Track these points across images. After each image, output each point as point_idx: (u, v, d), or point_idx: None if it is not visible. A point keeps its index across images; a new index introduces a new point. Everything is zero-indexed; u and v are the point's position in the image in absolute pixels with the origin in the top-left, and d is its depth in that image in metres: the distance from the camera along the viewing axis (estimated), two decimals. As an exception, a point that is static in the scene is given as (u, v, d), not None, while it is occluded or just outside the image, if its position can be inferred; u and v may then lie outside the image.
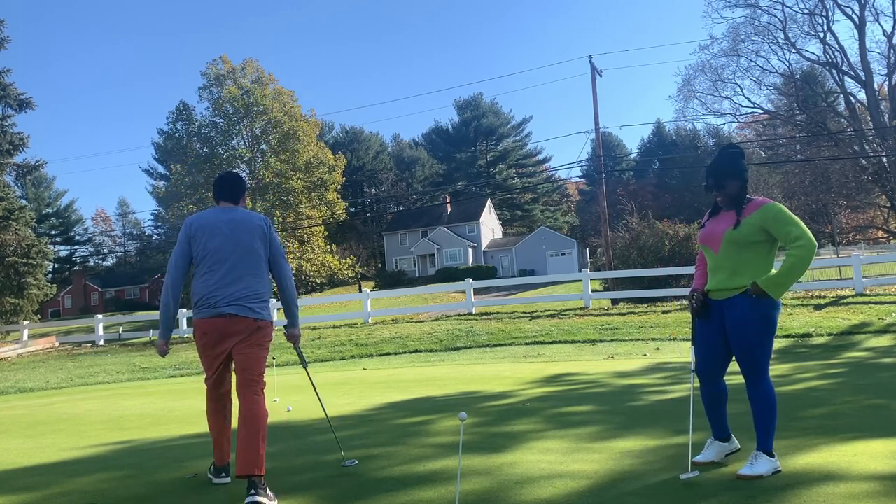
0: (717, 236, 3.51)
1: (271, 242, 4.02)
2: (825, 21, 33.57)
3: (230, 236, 3.93)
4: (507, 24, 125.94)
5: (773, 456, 3.33)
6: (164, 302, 4.15)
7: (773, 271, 3.43)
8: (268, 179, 41.72)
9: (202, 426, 6.09)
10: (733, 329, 3.41)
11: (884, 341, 10.13)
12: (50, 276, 34.09)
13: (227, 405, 4.07)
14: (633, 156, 77.36)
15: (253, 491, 3.38)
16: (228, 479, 3.90)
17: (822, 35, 34.05)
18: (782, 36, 34.56)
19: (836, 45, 34.23)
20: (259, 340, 3.85)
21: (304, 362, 4.52)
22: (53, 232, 70.09)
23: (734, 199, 3.52)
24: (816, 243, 3.32)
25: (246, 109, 41.75)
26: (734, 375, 3.87)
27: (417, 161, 75.65)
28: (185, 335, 19.68)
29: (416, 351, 13.01)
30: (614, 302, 17.98)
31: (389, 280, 52.70)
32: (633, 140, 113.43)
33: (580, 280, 17.12)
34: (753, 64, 36.19)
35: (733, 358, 3.54)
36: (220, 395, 4.03)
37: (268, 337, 3.91)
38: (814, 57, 35.88)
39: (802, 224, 3.37)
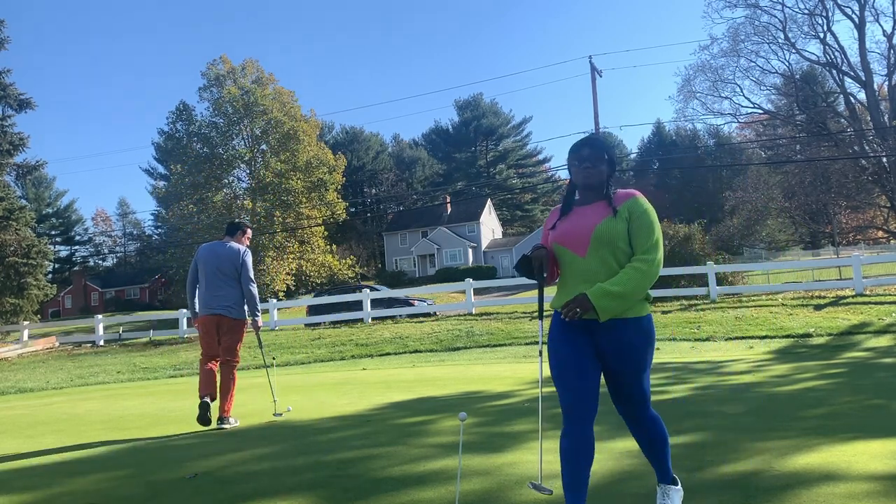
0: (583, 233, 2.78)
1: (242, 267, 6.04)
2: (825, 21, 33.59)
3: (216, 264, 6.02)
4: (507, 24, 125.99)
5: (677, 483, 2.93)
6: (188, 299, 6.29)
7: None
8: (268, 179, 41.70)
9: (202, 426, 6.10)
10: (620, 351, 2.72)
11: (884, 341, 10.13)
12: (50, 276, 34.10)
13: (213, 370, 6.00)
14: (633, 156, 77.39)
15: (220, 422, 5.80)
16: (209, 401, 5.85)
17: (822, 35, 34.07)
18: (782, 36, 34.58)
19: (836, 46, 34.25)
20: (234, 333, 6.03)
21: (261, 345, 6.83)
22: (53, 232, 70.08)
23: (603, 182, 2.88)
24: (660, 269, 2.79)
25: (246, 109, 41.73)
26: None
27: (417, 161, 75.66)
28: (185, 335, 19.67)
29: (416, 351, 13.01)
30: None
31: (389, 280, 52.70)
32: (633, 140, 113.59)
33: (580, 280, 17.10)
34: (753, 64, 36.22)
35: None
36: (208, 362, 6.04)
37: (240, 330, 6.06)
38: (814, 57, 35.90)
39: (661, 236, 2.86)
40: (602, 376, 2.80)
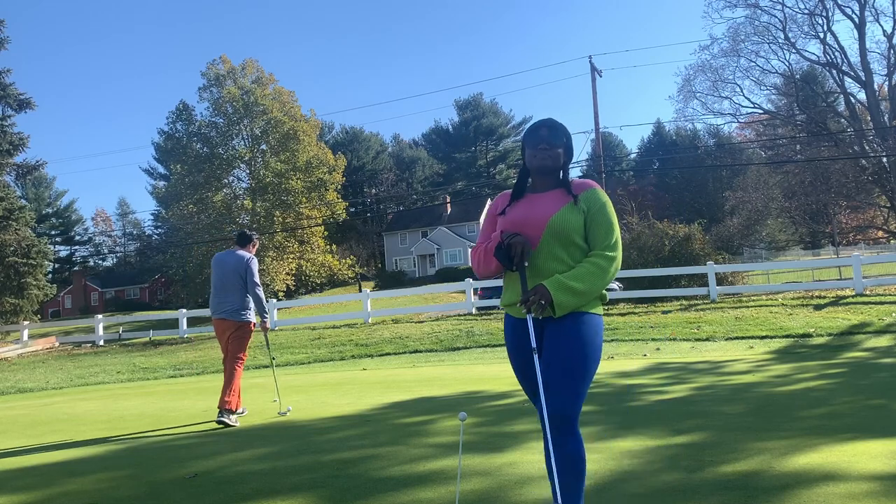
0: (537, 224, 2.53)
1: (247, 273, 6.51)
2: (825, 21, 33.59)
3: (224, 271, 6.54)
4: (508, 25, 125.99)
5: None
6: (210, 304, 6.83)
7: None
8: (268, 179, 41.70)
9: (202, 426, 6.10)
10: (558, 338, 2.47)
11: (884, 341, 10.13)
12: (50, 276, 34.08)
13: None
14: (633, 156, 77.38)
15: (219, 414, 6.01)
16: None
17: (822, 35, 34.06)
18: (782, 36, 34.57)
19: (836, 46, 34.25)
20: (240, 334, 6.49)
21: (268, 345, 7.18)
22: (53, 232, 70.06)
23: (560, 168, 2.66)
24: (619, 265, 2.56)
25: (246, 109, 41.73)
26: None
27: (417, 161, 75.65)
28: (185, 335, 19.68)
29: (416, 351, 13.01)
30: (614, 302, 17.97)
31: (389, 280, 52.68)
32: (633, 140, 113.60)
33: (580, 280, 17.09)
34: (753, 64, 36.21)
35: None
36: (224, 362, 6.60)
37: (246, 332, 6.52)
38: (814, 57, 35.89)
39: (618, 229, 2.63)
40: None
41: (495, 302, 19.58)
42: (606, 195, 2.61)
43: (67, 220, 73.51)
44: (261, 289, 6.59)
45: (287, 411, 6.56)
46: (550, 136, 2.64)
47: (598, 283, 2.47)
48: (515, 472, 3.68)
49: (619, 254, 2.55)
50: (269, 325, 6.76)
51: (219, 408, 6.07)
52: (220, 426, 5.96)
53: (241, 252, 6.65)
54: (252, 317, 6.53)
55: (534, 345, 2.46)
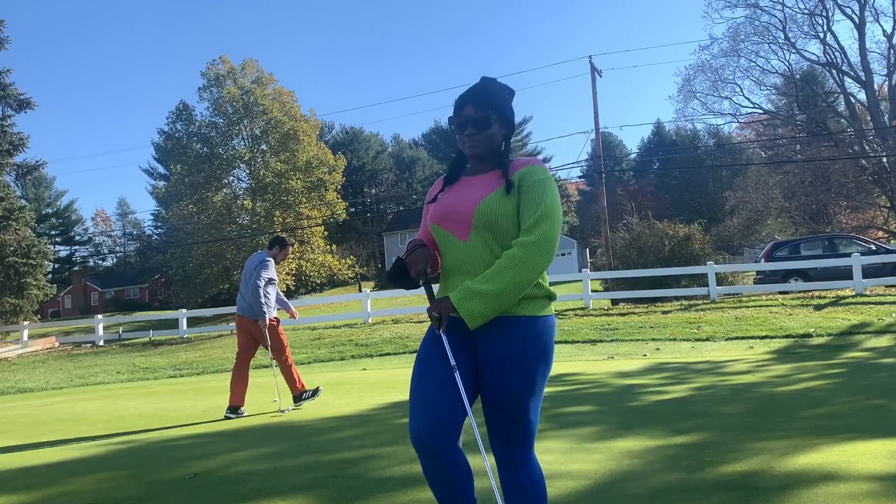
0: (466, 211, 2.17)
1: (255, 270, 6.81)
2: (825, 21, 33.59)
3: (245, 270, 7.00)
4: (507, 24, 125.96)
5: None
6: None
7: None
8: (268, 180, 41.69)
9: (202, 426, 6.10)
10: (500, 358, 2.08)
11: (884, 341, 10.13)
12: (50, 276, 34.08)
13: (238, 370, 6.79)
14: (633, 156, 77.33)
15: (230, 411, 6.55)
16: (234, 417, 6.49)
17: (822, 35, 34.07)
18: (782, 36, 34.58)
19: (836, 46, 34.25)
20: (259, 332, 6.80)
21: (266, 345, 6.94)
22: (53, 232, 70.04)
23: (496, 149, 2.26)
24: (553, 250, 2.10)
25: (246, 109, 41.71)
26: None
27: (417, 161, 75.61)
28: (185, 335, 19.68)
29: (416, 351, 12.99)
30: (614, 302, 17.98)
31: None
32: (633, 140, 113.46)
33: (580, 280, 17.12)
34: (753, 64, 36.22)
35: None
36: (240, 358, 6.90)
37: (260, 328, 6.79)
38: (814, 57, 35.90)
39: (559, 211, 2.16)
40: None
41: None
42: (547, 172, 2.20)
43: (67, 220, 73.50)
44: (261, 288, 6.71)
45: (287, 410, 6.57)
46: (478, 118, 2.20)
47: (515, 279, 2.03)
48: (515, 472, 3.68)
49: (545, 233, 2.08)
50: (262, 325, 6.80)
51: (231, 405, 6.58)
52: (225, 419, 6.42)
53: (263, 252, 7.05)
54: (273, 312, 6.85)
55: (452, 363, 2.07)
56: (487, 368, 2.11)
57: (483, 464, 1.96)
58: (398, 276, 2.25)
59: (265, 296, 6.72)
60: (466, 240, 2.17)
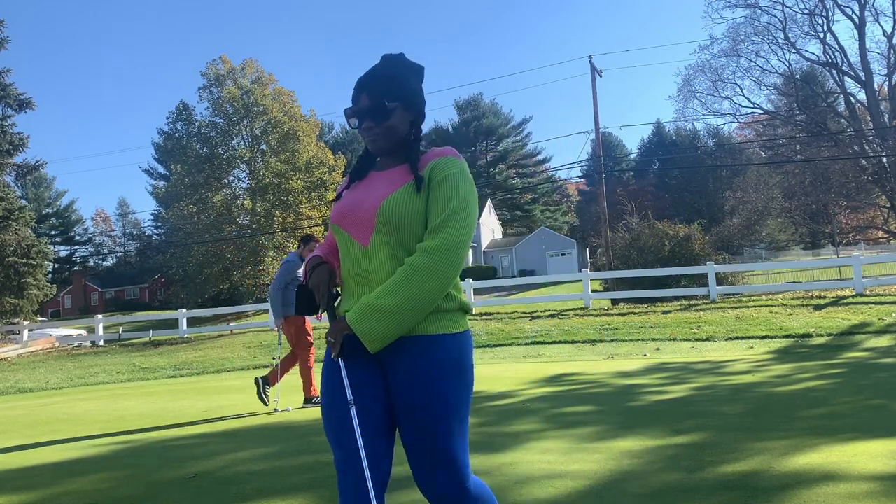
0: (368, 211, 1.88)
1: (277, 273, 7.16)
2: (825, 21, 33.61)
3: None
4: (507, 24, 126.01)
5: None
6: None
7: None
8: (267, 180, 41.67)
9: (202, 426, 6.10)
10: (410, 383, 1.81)
11: (884, 341, 10.13)
12: (50, 276, 34.09)
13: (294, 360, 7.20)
14: (633, 156, 77.34)
15: (306, 402, 7.03)
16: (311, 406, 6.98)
17: (822, 35, 34.08)
18: (782, 36, 34.60)
19: (836, 46, 34.27)
20: (289, 330, 7.06)
21: (279, 343, 7.68)
22: (53, 232, 70.05)
23: (402, 141, 1.94)
24: (463, 255, 1.82)
25: (246, 109, 41.70)
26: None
27: (417, 161, 75.56)
28: (185, 335, 19.67)
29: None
30: (614, 302, 17.97)
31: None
32: (633, 140, 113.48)
33: (580, 280, 17.12)
34: (753, 64, 36.24)
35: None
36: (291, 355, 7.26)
37: (293, 326, 7.02)
38: (814, 57, 35.92)
39: (472, 211, 1.85)
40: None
41: (495, 302, 19.57)
42: (461, 165, 1.89)
43: (67, 220, 73.50)
44: (275, 289, 7.02)
45: (287, 409, 6.59)
46: (375, 109, 1.90)
47: (418, 292, 1.75)
48: (515, 472, 3.68)
49: (452, 240, 1.78)
50: (274, 327, 7.29)
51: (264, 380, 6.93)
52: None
53: (294, 253, 7.34)
54: (293, 310, 7.01)
55: (349, 396, 1.81)
56: (399, 400, 1.82)
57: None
58: (308, 307, 1.97)
59: (282, 296, 6.97)
60: (367, 244, 1.87)
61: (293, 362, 7.17)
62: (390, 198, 1.85)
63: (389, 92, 1.91)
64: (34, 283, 24.24)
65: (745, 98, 38.68)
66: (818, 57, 35.45)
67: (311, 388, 7.04)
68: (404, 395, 1.82)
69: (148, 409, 7.72)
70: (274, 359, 7.04)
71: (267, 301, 22.25)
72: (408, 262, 1.78)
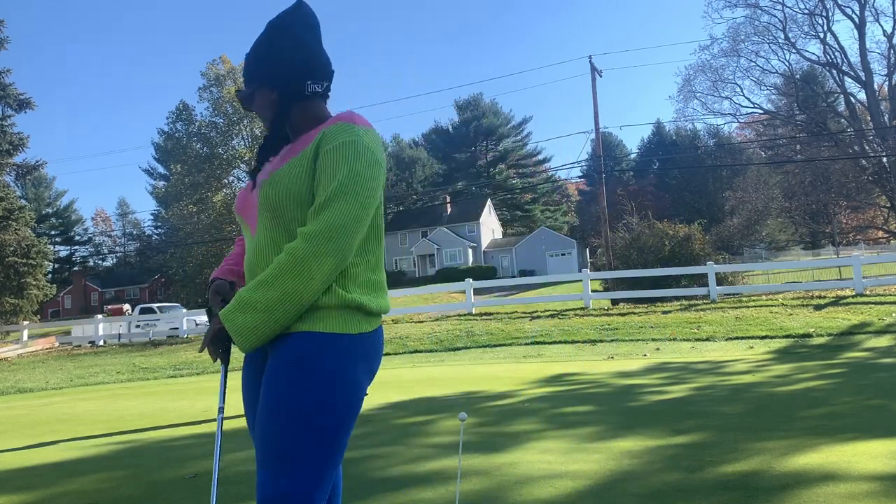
0: (254, 196, 1.74)
1: None
2: (825, 21, 33.63)
3: None
4: (507, 24, 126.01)
5: None
6: None
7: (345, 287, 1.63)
8: (268, 180, 41.76)
9: (202, 426, 6.10)
10: (261, 404, 1.64)
11: (884, 341, 10.13)
12: (50, 276, 34.10)
13: None
14: (633, 156, 77.37)
15: None
16: None
17: (822, 35, 34.11)
18: (782, 36, 34.63)
19: (836, 46, 34.30)
20: None
21: None
22: (53, 232, 70.06)
23: (278, 115, 1.75)
24: (351, 240, 1.56)
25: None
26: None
27: (417, 161, 75.62)
28: (186, 335, 19.68)
29: (415, 351, 13.01)
30: (614, 302, 17.97)
31: (389, 280, 52.59)
32: (633, 140, 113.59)
33: (580, 280, 17.12)
34: (753, 64, 36.28)
35: None
36: None
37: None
38: (814, 57, 35.96)
39: (363, 186, 1.58)
40: None
41: (495, 302, 19.58)
42: (355, 132, 1.62)
43: (67, 220, 73.52)
44: None
45: None
46: (240, 98, 1.81)
47: (293, 284, 1.54)
48: (515, 472, 3.68)
49: (334, 223, 1.54)
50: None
51: None
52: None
53: None
54: None
55: (220, 403, 1.71)
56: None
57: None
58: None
59: None
60: (254, 232, 1.70)
61: None
62: (272, 177, 1.66)
63: (249, 77, 1.77)
64: (34, 283, 24.25)
65: (745, 98, 38.81)
66: (818, 57, 35.49)
67: None
68: (262, 399, 1.64)
69: (148, 409, 7.72)
70: None
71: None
72: (286, 250, 1.57)
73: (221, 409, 1.72)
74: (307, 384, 1.57)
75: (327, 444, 1.58)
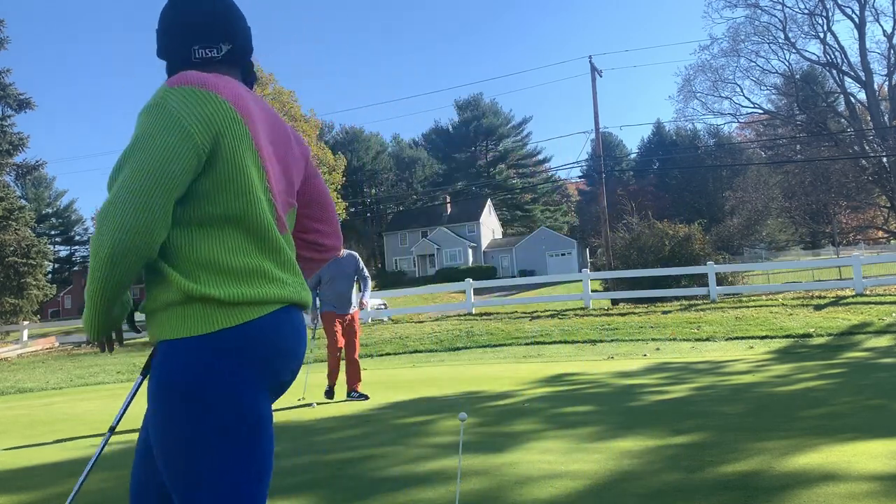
0: None
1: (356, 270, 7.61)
2: (825, 21, 33.65)
3: (336, 268, 7.42)
4: (507, 24, 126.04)
5: None
6: None
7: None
8: (268, 179, 41.73)
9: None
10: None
11: (884, 341, 10.13)
12: (50, 276, 34.10)
13: (337, 354, 7.38)
14: (633, 156, 77.40)
15: (354, 393, 7.20)
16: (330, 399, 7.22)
17: (822, 35, 34.12)
18: (782, 36, 34.64)
19: (836, 45, 34.31)
20: (352, 325, 7.41)
21: (313, 337, 8.10)
22: (53, 232, 70.07)
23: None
24: (146, 204, 1.31)
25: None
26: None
27: (417, 161, 75.63)
28: (185, 335, 19.70)
29: (416, 351, 13.01)
30: (614, 302, 17.97)
31: (389, 280, 52.68)
32: (633, 140, 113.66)
33: (580, 280, 17.11)
34: (753, 64, 36.30)
35: None
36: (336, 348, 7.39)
37: (322, 322, 7.37)
38: (814, 57, 35.98)
39: (149, 144, 1.35)
40: None
41: (495, 302, 19.58)
42: (170, 90, 1.42)
43: (67, 220, 73.52)
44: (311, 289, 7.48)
45: (313, 405, 6.92)
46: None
47: (93, 267, 1.33)
48: (515, 472, 3.68)
49: (118, 195, 1.33)
50: (311, 322, 7.47)
51: (351, 389, 7.26)
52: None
53: (347, 252, 7.69)
54: (317, 304, 7.39)
55: (114, 422, 1.55)
56: None
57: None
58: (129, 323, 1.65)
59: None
60: None
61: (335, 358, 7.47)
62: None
63: (161, 40, 1.64)
64: (34, 283, 24.25)
65: (745, 98, 38.76)
66: (818, 57, 35.51)
67: (332, 378, 7.37)
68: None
69: (148, 409, 7.72)
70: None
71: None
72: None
73: (113, 429, 1.49)
74: (168, 413, 1.35)
75: (223, 481, 1.34)
